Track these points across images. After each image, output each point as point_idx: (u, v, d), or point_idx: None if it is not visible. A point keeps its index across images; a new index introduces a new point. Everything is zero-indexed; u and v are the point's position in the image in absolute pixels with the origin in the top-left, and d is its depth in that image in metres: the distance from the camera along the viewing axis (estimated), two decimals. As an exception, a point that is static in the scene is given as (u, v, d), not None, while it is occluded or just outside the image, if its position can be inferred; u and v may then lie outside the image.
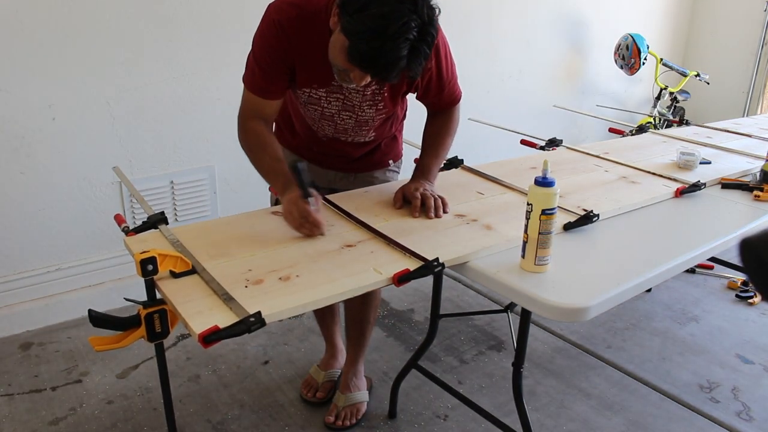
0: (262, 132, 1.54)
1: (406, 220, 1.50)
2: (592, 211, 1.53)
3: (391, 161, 1.86)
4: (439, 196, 1.56)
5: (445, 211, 1.55)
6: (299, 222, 1.37)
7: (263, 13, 1.48)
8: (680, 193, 1.77)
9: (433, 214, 1.51)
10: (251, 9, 2.59)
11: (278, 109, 1.58)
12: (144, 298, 1.15)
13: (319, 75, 1.50)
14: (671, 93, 4.27)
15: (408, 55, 1.25)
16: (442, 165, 1.93)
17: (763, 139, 2.47)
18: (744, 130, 2.61)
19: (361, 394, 2.03)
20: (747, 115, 4.55)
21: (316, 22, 1.41)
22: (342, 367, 2.13)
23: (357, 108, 1.59)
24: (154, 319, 1.13)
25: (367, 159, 1.80)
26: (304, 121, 1.72)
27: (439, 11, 1.31)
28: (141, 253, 1.11)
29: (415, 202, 1.53)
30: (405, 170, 1.90)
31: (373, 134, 1.72)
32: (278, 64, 1.48)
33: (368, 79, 1.35)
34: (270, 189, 1.75)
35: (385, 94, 1.57)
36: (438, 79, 1.59)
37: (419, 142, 1.99)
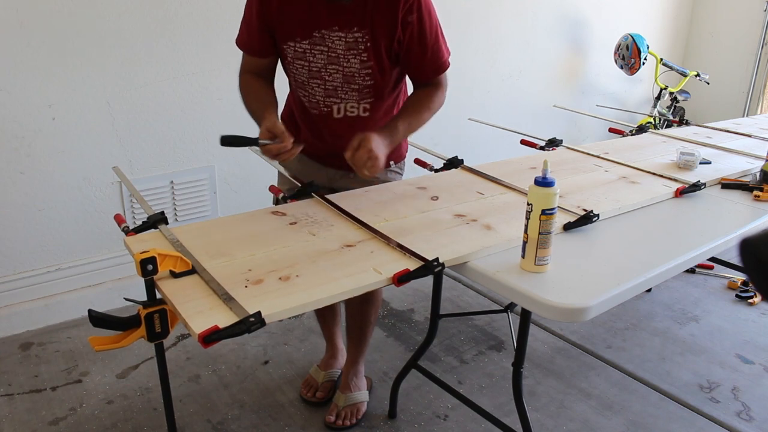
0: (249, 80, 1.68)
1: (406, 220, 1.50)
2: (592, 211, 1.53)
3: (392, 162, 1.84)
4: (379, 156, 1.48)
5: (368, 172, 1.49)
6: (274, 157, 1.51)
7: None
8: (680, 193, 1.77)
9: (360, 170, 1.49)
10: (251, 9, 2.59)
11: (270, 67, 1.70)
12: (144, 298, 1.15)
13: (300, 26, 1.57)
14: (671, 93, 4.27)
15: None
16: (441, 166, 1.94)
17: (763, 139, 2.47)
18: (744, 130, 2.61)
19: (362, 394, 2.03)
20: (747, 115, 4.55)
21: None
22: (342, 367, 2.14)
23: (342, 59, 1.58)
24: (154, 319, 1.13)
25: None
26: (304, 112, 1.72)
27: None
28: (141, 253, 1.11)
29: (349, 150, 1.48)
30: (408, 173, 1.90)
31: (367, 105, 1.68)
32: (262, 22, 1.59)
33: None
34: (270, 189, 1.75)
35: (368, 44, 1.55)
36: (420, 37, 1.57)
37: (418, 142, 1.98)
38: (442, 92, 1.69)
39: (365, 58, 1.58)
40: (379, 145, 1.50)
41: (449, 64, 1.68)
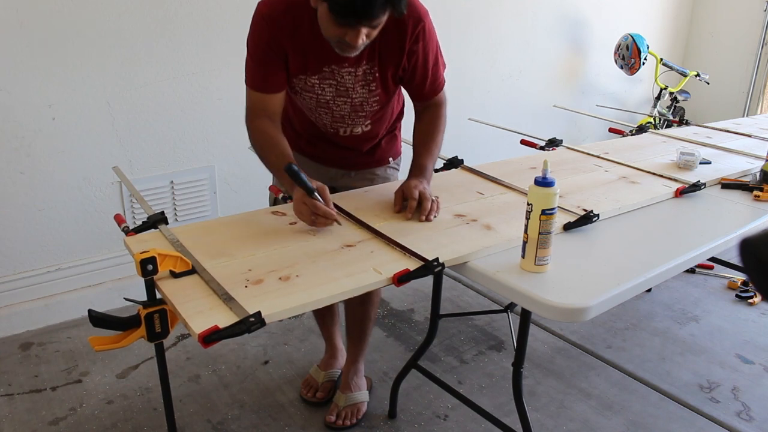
0: (268, 129, 1.57)
1: (406, 220, 1.50)
2: (592, 211, 1.53)
3: (391, 159, 1.88)
4: (435, 198, 1.56)
5: (435, 215, 1.54)
6: (311, 218, 1.39)
7: (253, 14, 1.53)
8: (680, 193, 1.77)
9: (424, 217, 1.51)
10: (251, 9, 2.59)
11: (282, 103, 1.61)
12: (144, 298, 1.15)
13: (310, 62, 1.54)
14: (671, 93, 4.27)
15: None
16: (441, 166, 1.95)
17: (763, 139, 2.47)
18: (744, 130, 2.61)
19: (362, 394, 2.03)
20: (747, 115, 4.55)
21: (304, 10, 1.46)
22: (342, 367, 2.14)
23: (351, 90, 1.61)
24: (154, 319, 1.13)
25: (368, 156, 1.81)
26: (304, 117, 1.73)
27: (421, 8, 1.36)
28: (141, 253, 1.11)
29: (412, 202, 1.52)
30: (404, 169, 1.90)
31: (370, 123, 1.72)
32: (273, 55, 1.53)
33: (363, 35, 1.36)
34: (270, 188, 1.75)
35: (376, 74, 1.59)
36: (424, 63, 1.61)
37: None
38: (444, 109, 1.75)
39: (373, 88, 1.62)
40: (428, 189, 1.57)
41: (445, 81, 1.73)
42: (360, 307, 1.95)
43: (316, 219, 1.39)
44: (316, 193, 1.39)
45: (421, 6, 1.55)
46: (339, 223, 1.43)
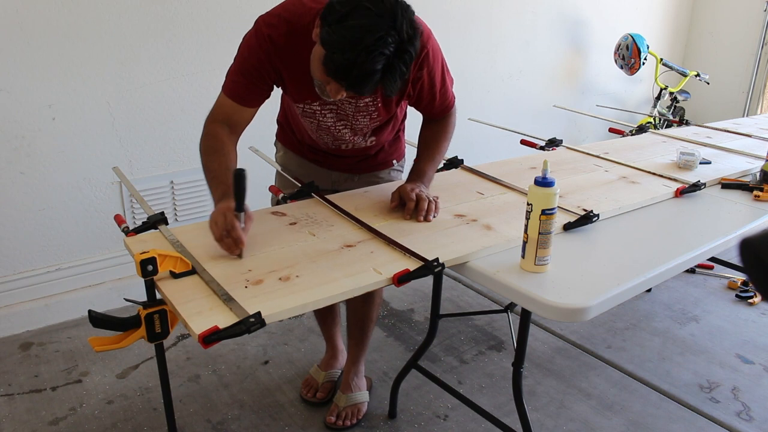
0: (221, 137, 1.50)
1: (406, 220, 1.50)
2: (592, 211, 1.53)
3: (394, 161, 1.86)
4: (434, 198, 1.56)
5: (434, 215, 1.54)
6: (220, 234, 1.29)
7: (253, 25, 1.47)
8: (680, 193, 1.77)
9: (422, 218, 1.50)
10: (251, 9, 2.59)
11: (249, 120, 1.55)
12: (144, 298, 1.15)
13: (311, 89, 1.46)
14: (671, 93, 4.27)
15: (383, 70, 1.24)
16: (441, 166, 1.95)
17: (763, 139, 2.47)
18: (744, 130, 2.61)
19: (362, 394, 2.03)
20: (747, 115, 4.55)
21: (307, 36, 1.39)
22: (342, 368, 2.14)
23: (351, 118, 1.59)
24: (154, 320, 1.13)
25: (371, 160, 1.81)
26: (310, 137, 1.73)
27: (422, 32, 1.30)
28: (141, 253, 1.11)
29: (409, 203, 1.52)
30: (408, 171, 1.89)
31: (373, 139, 1.72)
32: (262, 75, 1.48)
33: (343, 93, 1.34)
34: (270, 188, 1.75)
35: (379, 105, 1.57)
36: (430, 88, 1.59)
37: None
38: (454, 117, 1.74)
39: (375, 116, 1.61)
40: (426, 191, 1.58)
41: (455, 97, 1.70)
42: (362, 308, 1.94)
43: (224, 238, 1.29)
44: (243, 215, 1.32)
45: (424, 27, 1.46)
46: (240, 257, 1.30)
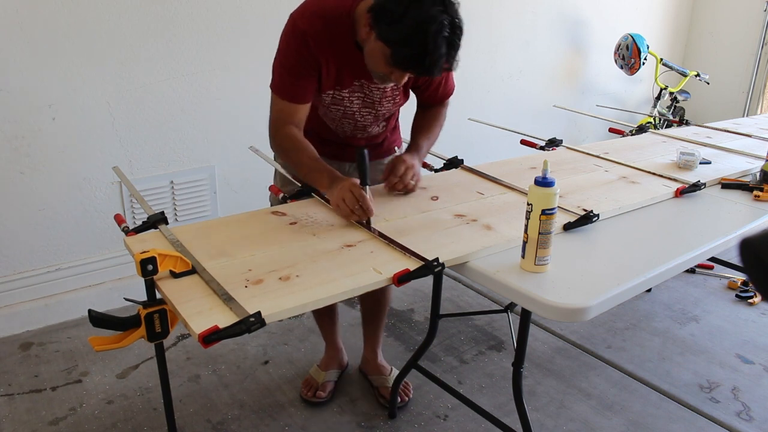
0: (296, 136, 1.60)
1: (406, 220, 1.51)
2: (592, 211, 1.53)
3: (396, 148, 1.94)
4: (410, 165, 1.64)
5: (417, 182, 1.66)
6: (350, 209, 1.42)
7: (288, 19, 1.53)
8: (680, 193, 1.77)
9: (402, 185, 1.61)
10: (251, 9, 2.59)
11: (306, 113, 1.63)
12: (144, 298, 1.15)
13: (344, 76, 1.57)
14: (671, 93, 4.27)
15: (447, 49, 1.36)
16: (441, 166, 1.96)
17: (763, 139, 2.47)
18: (744, 130, 2.61)
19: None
20: (747, 115, 4.55)
21: (341, 28, 1.49)
22: (342, 368, 2.16)
23: (377, 104, 1.67)
24: (154, 319, 1.13)
25: (379, 148, 1.87)
26: (320, 123, 1.76)
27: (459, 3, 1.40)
28: (141, 253, 1.11)
29: (396, 169, 1.61)
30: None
31: (384, 124, 1.81)
32: (306, 69, 1.55)
33: (406, 77, 1.46)
34: (270, 188, 1.75)
35: (401, 88, 1.67)
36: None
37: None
38: (446, 109, 1.86)
39: (398, 101, 1.71)
40: (416, 165, 1.67)
41: (455, 86, 1.81)
42: (378, 303, 2.07)
43: (354, 211, 1.42)
44: (368, 188, 1.45)
45: None
46: (368, 225, 1.44)
